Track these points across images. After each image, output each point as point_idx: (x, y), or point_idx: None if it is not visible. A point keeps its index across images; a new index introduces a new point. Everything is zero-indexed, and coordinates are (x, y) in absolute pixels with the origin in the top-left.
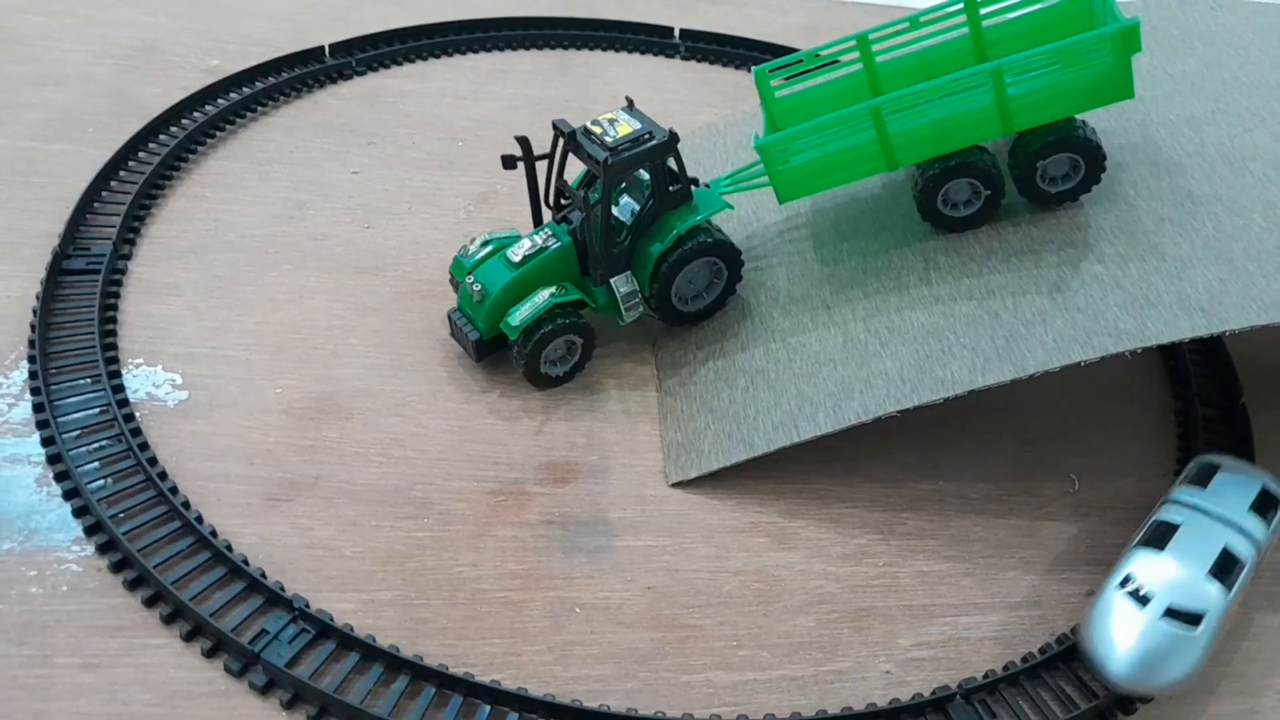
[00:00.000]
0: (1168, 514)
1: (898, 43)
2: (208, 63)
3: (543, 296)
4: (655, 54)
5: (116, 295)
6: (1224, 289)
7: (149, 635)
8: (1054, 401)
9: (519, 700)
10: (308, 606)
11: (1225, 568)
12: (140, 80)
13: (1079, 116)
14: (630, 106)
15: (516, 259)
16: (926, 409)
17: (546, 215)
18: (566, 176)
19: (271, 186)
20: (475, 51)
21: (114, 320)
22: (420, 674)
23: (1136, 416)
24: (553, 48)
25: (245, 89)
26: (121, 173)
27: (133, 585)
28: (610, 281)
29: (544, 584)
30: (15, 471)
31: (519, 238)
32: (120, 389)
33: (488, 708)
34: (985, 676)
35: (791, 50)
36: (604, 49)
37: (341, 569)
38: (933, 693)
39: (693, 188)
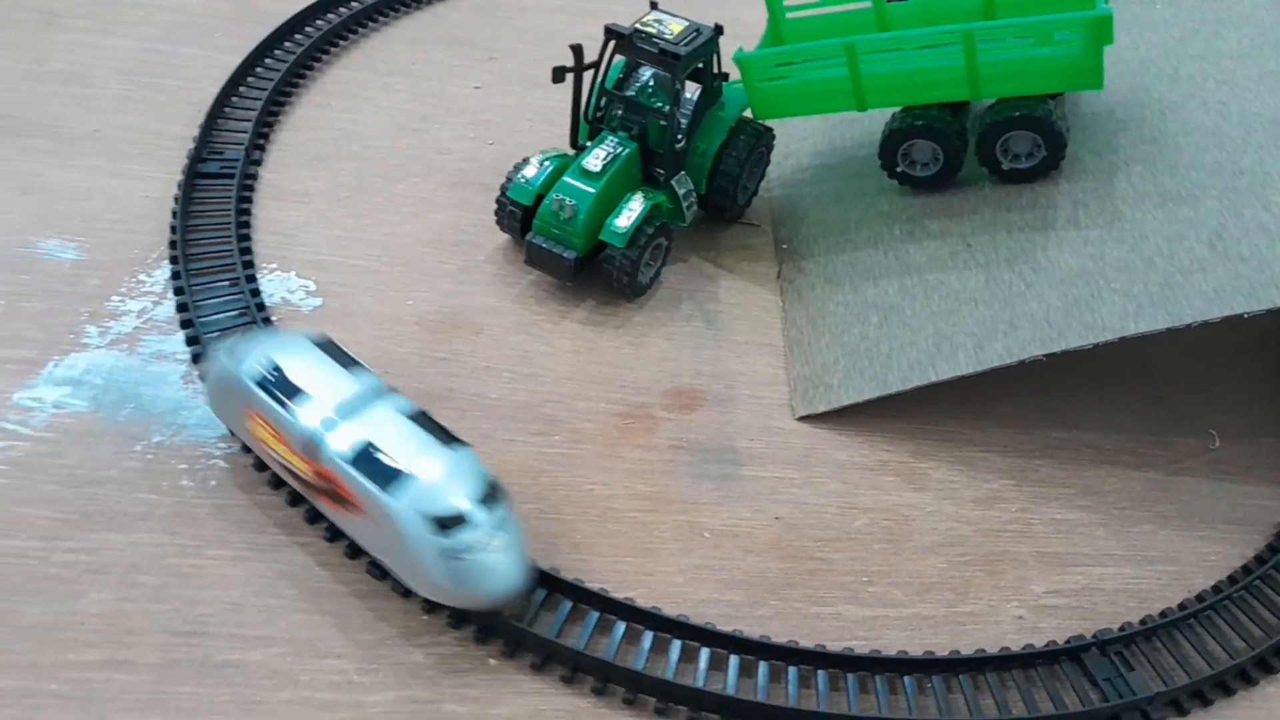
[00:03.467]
0: None
1: None
2: None
3: (637, 201)
4: None
5: (249, 200)
6: None
7: (295, 533)
8: (1191, 354)
9: (653, 619)
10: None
11: None
12: None
13: (1051, 100)
14: (656, 5)
15: (596, 169)
16: (1051, 361)
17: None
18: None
19: (394, 98)
20: None
21: (248, 225)
22: (557, 587)
23: (1278, 375)
24: None
25: None
26: (249, 78)
27: (277, 484)
28: (672, 183)
29: (673, 507)
30: (163, 367)
31: (565, 155)
32: (257, 293)
33: (623, 625)
34: (1121, 629)
35: None
36: None
37: None
38: (1067, 641)
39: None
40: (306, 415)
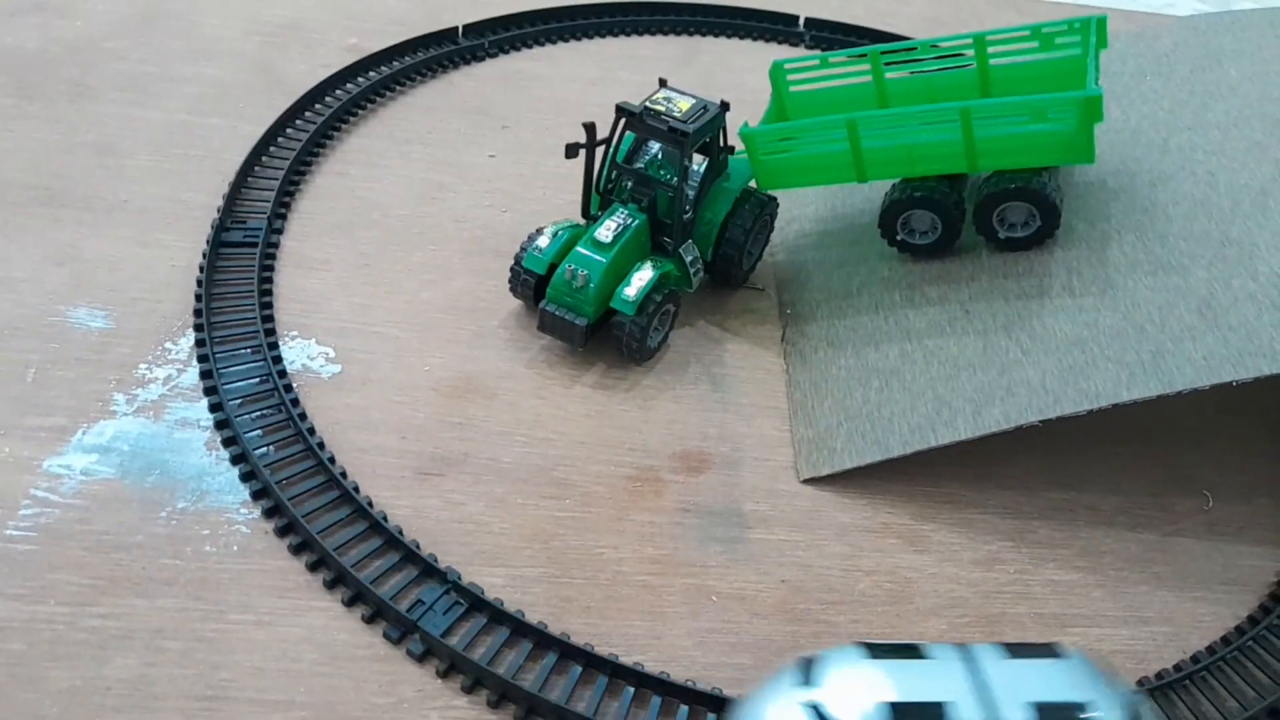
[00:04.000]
0: None
1: (909, 63)
2: (347, 40)
3: (647, 270)
4: (780, 42)
5: (271, 269)
6: None
7: (314, 598)
8: (1188, 415)
9: (661, 684)
10: (460, 579)
11: None
12: (284, 56)
13: (1045, 172)
14: (665, 84)
15: (607, 239)
16: (1050, 421)
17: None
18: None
19: (412, 167)
20: (603, 36)
21: (270, 293)
22: (567, 652)
23: (1274, 434)
24: (679, 34)
25: (384, 68)
26: (271, 148)
27: (297, 550)
28: (679, 251)
29: (681, 570)
30: (187, 434)
31: (577, 226)
32: (279, 360)
33: (631, 689)
34: None
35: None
36: (729, 36)
37: (490, 544)
38: None
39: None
40: None
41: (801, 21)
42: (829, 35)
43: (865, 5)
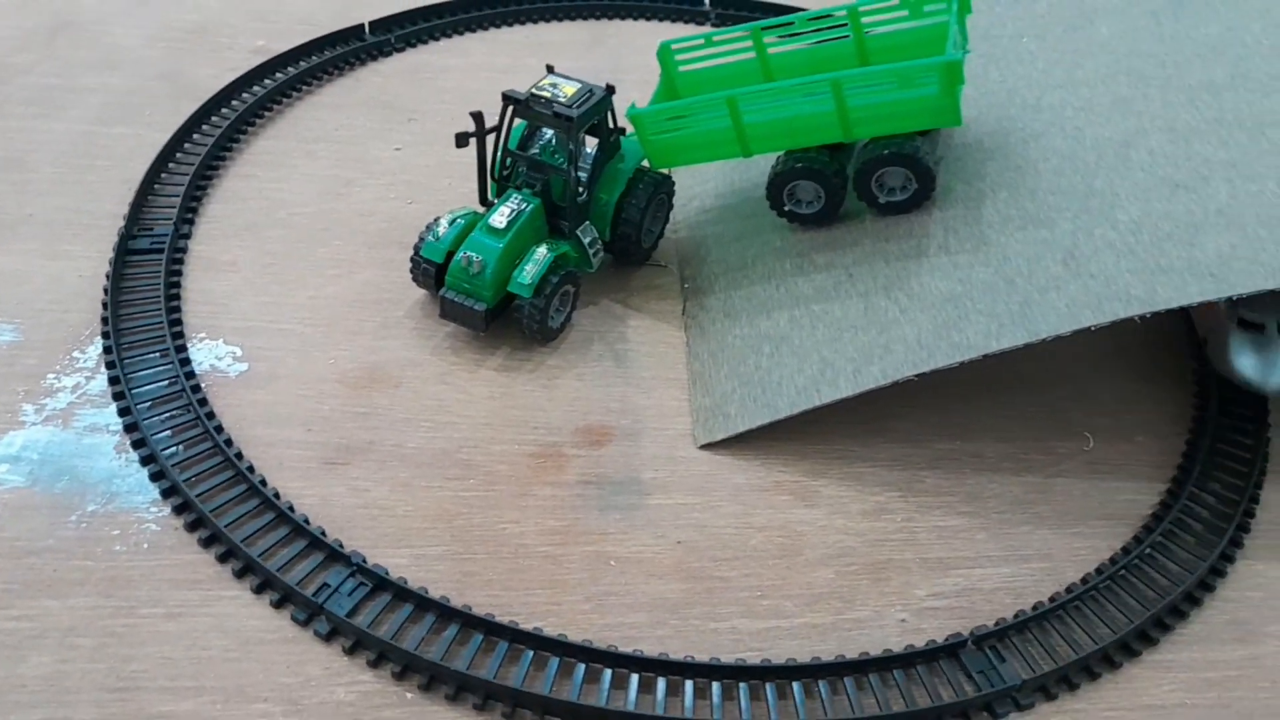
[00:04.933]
0: None
1: (788, 39)
2: (255, 43)
3: (541, 253)
4: (686, 21)
5: (179, 273)
6: (1234, 254)
7: (223, 588)
8: (1073, 363)
9: (559, 645)
10: (365, 562)
11: None
12: (193, 62)
13: (920, 136)
14: (553, 70)
15: (501, 225)
16: (944, 372)
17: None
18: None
19: (318, 164)
20: (510, 25)
21: (178, 297)
22: (469, 622)
23: (1153, 377)
24: (585, 18)
25: (291, 68)
26: (178, 154)
27: (206, 543)
28: (576, 233)
29: (581, 539)
30: (96, 439)
31: (474, 213)
32: (186, 362)
33: (531, 653)
34: (996, 624)
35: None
36: (634, 18)
37: (395, 527)
38: (945, 639)
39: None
40: None
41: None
42: (734, 13)
43: None
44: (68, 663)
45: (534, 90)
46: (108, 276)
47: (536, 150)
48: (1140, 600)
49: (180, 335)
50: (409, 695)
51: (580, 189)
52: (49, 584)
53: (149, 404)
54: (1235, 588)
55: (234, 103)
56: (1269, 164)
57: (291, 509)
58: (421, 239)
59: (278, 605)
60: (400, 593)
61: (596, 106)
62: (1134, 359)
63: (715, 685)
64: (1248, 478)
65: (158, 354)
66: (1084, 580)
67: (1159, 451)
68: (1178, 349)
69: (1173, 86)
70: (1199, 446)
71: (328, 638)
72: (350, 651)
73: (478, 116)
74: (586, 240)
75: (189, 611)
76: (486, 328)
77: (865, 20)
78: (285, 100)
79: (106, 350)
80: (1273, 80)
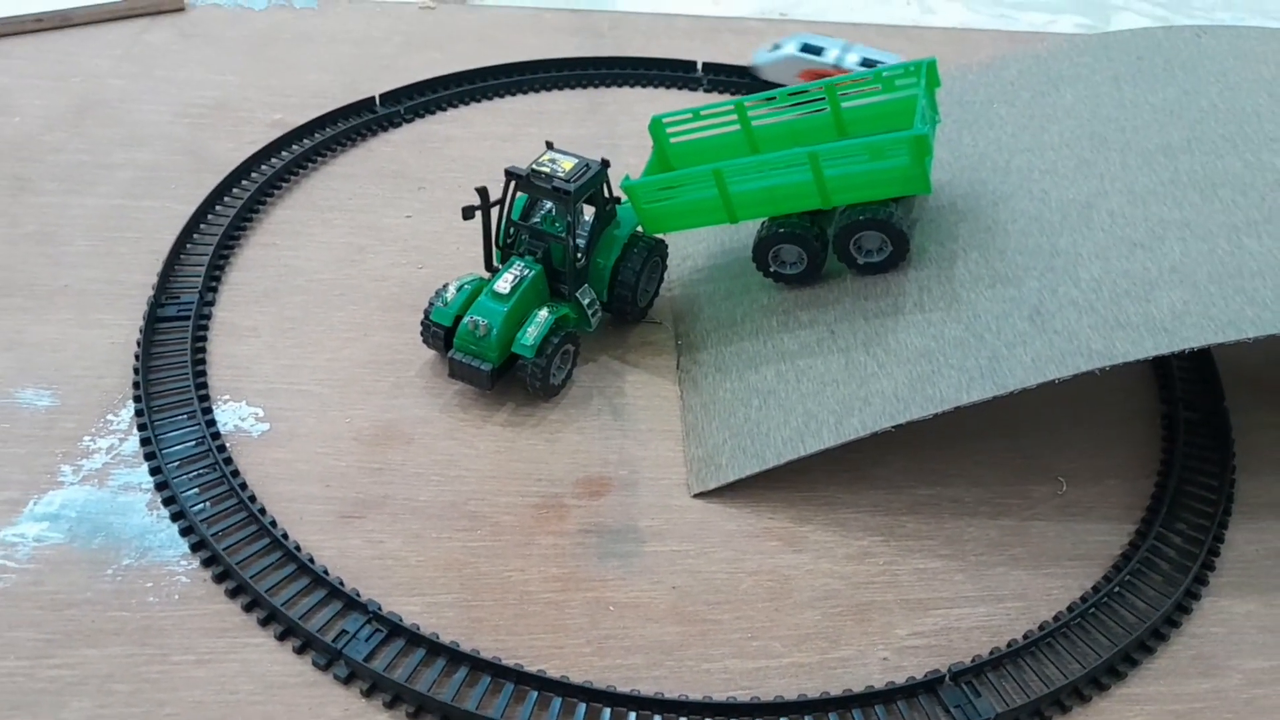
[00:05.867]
0: None
1: (770, 111)
2: (272, 116)
3: (543, 316)
4: (680, 88)
5: (204, 339)
6: (1186, 309)
7: (249, 635)
8: (1046, 410)
9: (562, 686)
10: (380, 609)
11: None
12: (213, 136)
13: (894, 203)
14: (552, 146)
15: (505, 291)
16: (921, 422)
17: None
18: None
19: (334, 233)
20: (512, 94)
21: (204, 361)
22: (478, 665)
23: (1124, 421)
24: (583, 87)
25: (306, 140)
26: (202, 225)
27: (233, 593)
28: (576, 295)
29: (582, 585)
30: (130, 498)
31: (480, 279)
32: (212, 423)
33: (535, 693)
34: (973, 661)
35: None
36: (630, 85)
37: (408, 576)
38: (925, 676)
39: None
40: None
41: (699, 66)
42: (725, 79)
43: (762, 47)
44: (106, 708)
45: (534, 166)
46: (138, 343)
47: (538, 220)
48: (1109, 636)
49: (206, 398)
50: None
51: (579, 255)
52: (87, 634)
53: (178, 463)
54: (1200, 623)
55: (253, 175)
56: (1220, 223)
57: (312, 560)
58: (431, 304)
59: (300, 651)
60: (413, 638)
61: (592, 179)
62: (1104, 404)
63: None
64: (1213, 518)
65: (185, 416)
66: (1056, 618)
67: (1128, 493)
68: (1146, 394)
69: (1132, 150)
70: (1166, 488)
71: (346, 681)
72: (368, 694)
73: (482, 191)
74: (585, 302)
75: (218, 658)
76: (493, 386)
77: (842, 94)
78: (301, 171)
79: (138, 413)
80: (1225, 142)
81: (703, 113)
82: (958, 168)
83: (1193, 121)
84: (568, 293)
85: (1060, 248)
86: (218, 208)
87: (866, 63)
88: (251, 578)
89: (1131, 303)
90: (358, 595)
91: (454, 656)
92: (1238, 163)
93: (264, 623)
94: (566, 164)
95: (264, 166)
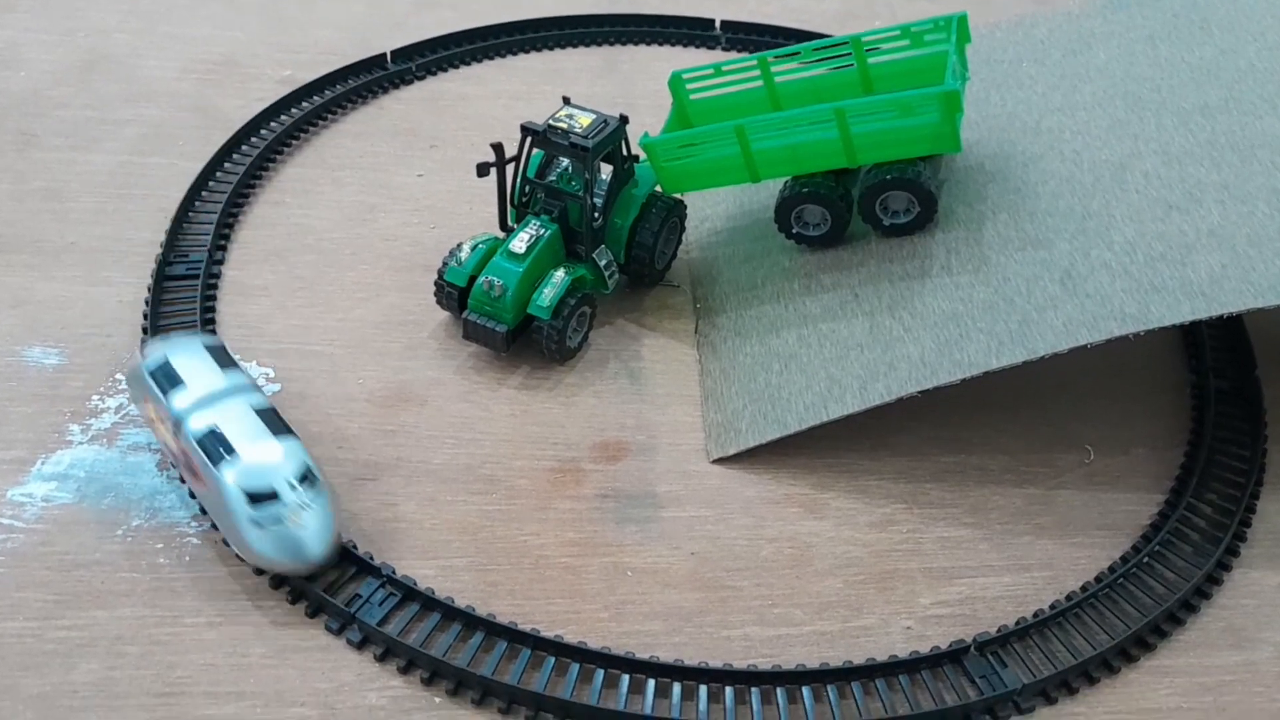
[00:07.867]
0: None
1: (795, 67)
2: (281, 73)
3: (559, 276)
4: (697, 46)
5: (214, 298)
6: (1225, 274)
7: (261, 599)
8: (1074, 378)
9: (579, 652)
10: (394, 573)
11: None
12: (221, 93)
13: (921, 162)
14: (569, 101)
15: (521, 251)
16: (947, 388)
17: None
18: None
19: (344, 191)
20: (527, 52)
21: (213, 321)
22: (493, 630)
23: (1153, 391)
24: (599, 44)
25: (316, 98)
26: (211, 183)
27: None
28: (592, 256)
29: (599, 550)
30: (139, 458)
31: (495, 239)
32: None
33: (552, 659)
34: (998, 631)
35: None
36: (647, 43)
37: (422, 539)
38: (949, 645)
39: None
40: (179, 400)
41: (717, 24)
42: (744, 36)
43: (779, 4)
44: (116, 670)
45: (551, 121)
46: (147, 302)
47: (554, 178)
48: (1138, 607)
49: None
50: (437, 700)
51: (596, 214)
52: (97, 595)
53: None
54: (1231, 595)
55: (263, 132)
56: (1259, 185)
57: None
58: (445, 264)
59: (312, 615)
60: (428, 602)
61: (611, 136)
62: (1133, 373)
63: (728, 690)
64: (1244, 488)
65: None
66: (1084, 588)
67: (1157, 463)
68: (1175, 363)
69: (1167, 110)
70: (1196, 458)
71: (360, 645)
72: (381, 658)
73: (498, 147)
74: (602, 263)
75: (229, 620)
76: (508, 348)
77: (869, 50)
78: (311, 129)
79: None
80: (1264, 103)
81: (724, 68)
82: (986, 128)
83: (1230, 81)
84: (584, 253)
85: (1093, 210)
86: (226, 165)
87: None
88: None
89: (1167, 266)
90: (371, 559)
91: (469, 621)
92: (1278, 124)
93: (276, 586)
94: (584, 119)
95: (273, 124)
